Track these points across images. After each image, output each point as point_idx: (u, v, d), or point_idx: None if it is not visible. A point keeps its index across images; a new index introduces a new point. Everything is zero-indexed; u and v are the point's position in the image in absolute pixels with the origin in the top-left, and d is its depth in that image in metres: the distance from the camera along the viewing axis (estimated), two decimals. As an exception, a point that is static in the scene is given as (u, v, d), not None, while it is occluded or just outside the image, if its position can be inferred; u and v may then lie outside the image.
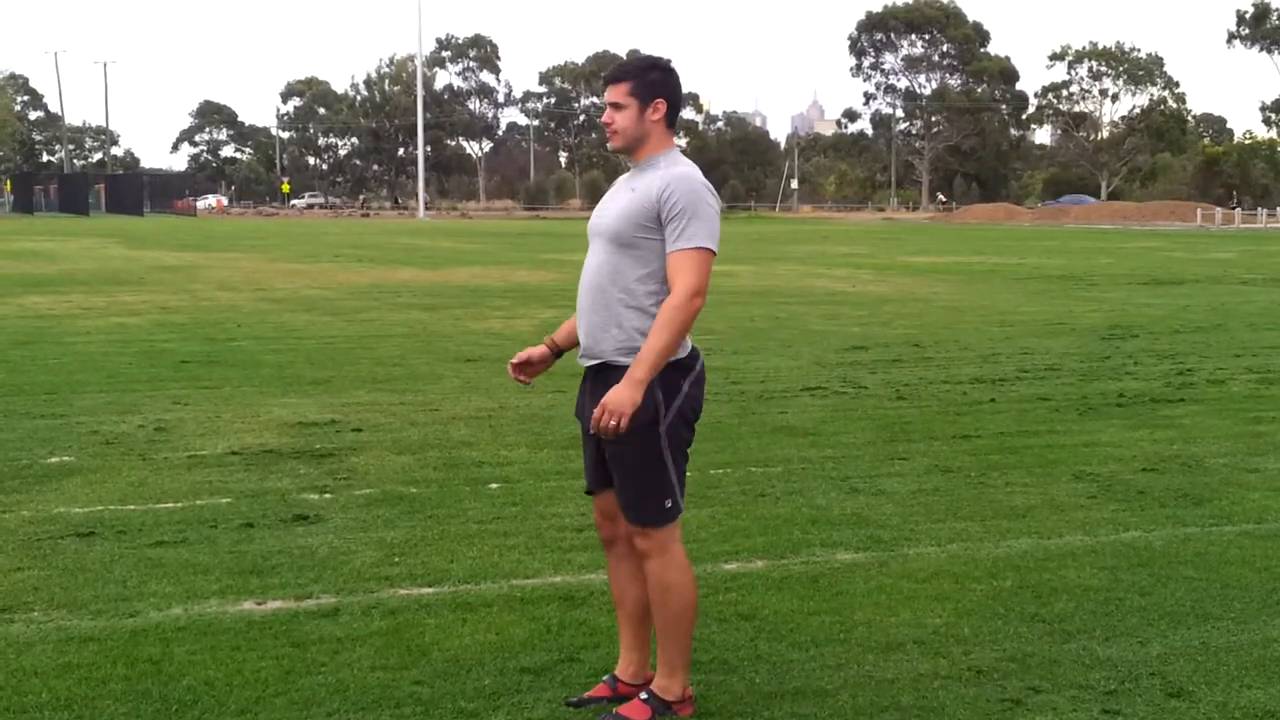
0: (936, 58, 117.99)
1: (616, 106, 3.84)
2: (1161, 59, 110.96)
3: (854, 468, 7.39)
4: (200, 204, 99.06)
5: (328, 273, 25.26)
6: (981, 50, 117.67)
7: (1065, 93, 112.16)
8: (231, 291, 20.31)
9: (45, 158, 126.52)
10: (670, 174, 3.76)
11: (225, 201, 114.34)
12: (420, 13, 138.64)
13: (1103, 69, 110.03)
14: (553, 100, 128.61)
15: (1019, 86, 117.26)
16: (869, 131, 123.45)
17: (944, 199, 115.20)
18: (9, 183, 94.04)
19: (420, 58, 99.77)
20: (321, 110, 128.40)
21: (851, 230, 62.18)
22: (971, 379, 10.94)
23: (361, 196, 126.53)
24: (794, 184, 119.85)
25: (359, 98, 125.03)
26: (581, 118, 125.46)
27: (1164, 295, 20.79)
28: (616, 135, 3.86)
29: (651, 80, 3.84)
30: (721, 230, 3.81)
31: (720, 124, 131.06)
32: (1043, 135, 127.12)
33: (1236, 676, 4.25)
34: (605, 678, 4.09)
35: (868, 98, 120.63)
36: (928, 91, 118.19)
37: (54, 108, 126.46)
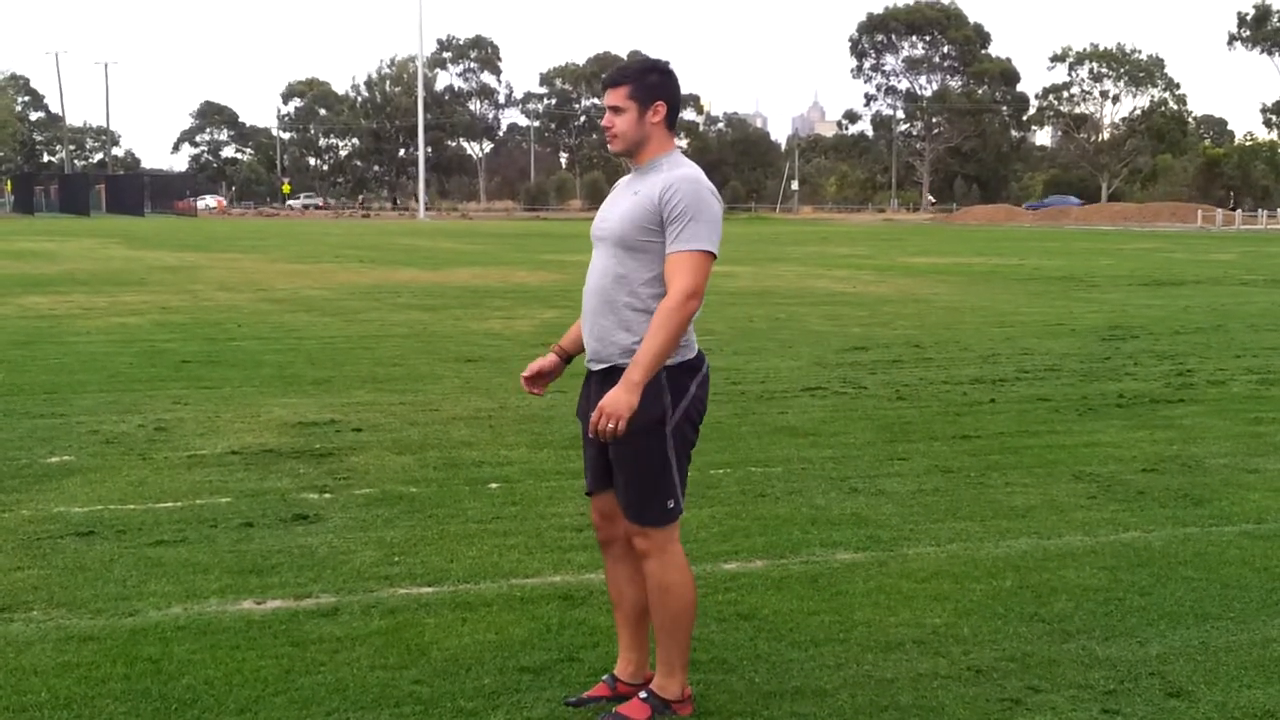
0: (937, 59, 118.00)
1: (616, 110, 3.83)
2: (1162, 60, 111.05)
3: (854, 468, 7.39)
4: (200, 204, 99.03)
5: (328, 273, 25.26)
6: (982, 52, 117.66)
7: (1066, 94, 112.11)
8: (232, 292, 20.31)
9: (46, 158, 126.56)
10: (673, 176, 3.76)
11: (225, 202, 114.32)
12: (421, 13, 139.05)
13: (1103, 70, 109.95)
14: (553, 101, 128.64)
15: (1020, 88, 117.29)
16: (870, 133, 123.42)
17: (933, 200, 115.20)
18: (10, 183, 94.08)
19: (421, 58, 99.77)
20: (322, 111, 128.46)
21: (852, 231, 62.20)
22: (971, 379, 10.95)
23: (360, 197, 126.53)
24: (794, 185, 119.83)
25: (360, 98, 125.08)
26: (582, 119, 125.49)
27: (1164, 296, 20.79)
28: (617, 139, 3.85)
29: (650, 83, 3.84)
30: (722, 231, 3.81)
31: (721, 125, 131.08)
32: (1043, 137, 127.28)
33: (1236, 676, 4.25)
34: (604, 677, 4.09)
35: (868, 99, 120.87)
36: (928, 93, 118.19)
37: (55, 108, 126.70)
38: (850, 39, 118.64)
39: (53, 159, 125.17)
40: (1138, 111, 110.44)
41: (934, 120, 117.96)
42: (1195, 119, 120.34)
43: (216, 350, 12.68)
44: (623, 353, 3.78)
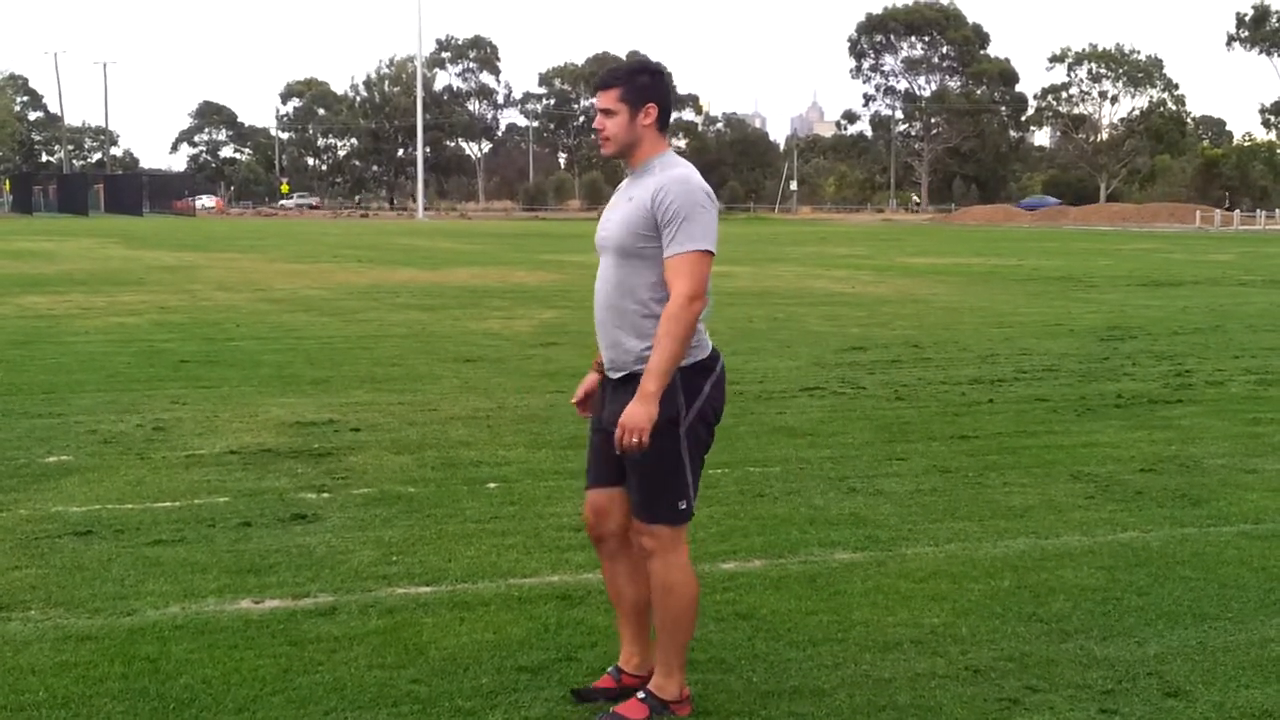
0: (936, 59, 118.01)
1: (607, 113, 3.83)
2: (1161, 61, 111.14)
3: (852, 468, 7.39)
4: (199, 204, 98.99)
5: (326, 273, 25.26)
6: (981, 52, 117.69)
7: (1064, 95, 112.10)
8: (230, 291, 20.30)
9: (44, 158, 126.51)
10: (663, 178, 3.76)
11: (224, 202, 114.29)
12: (420, 14, 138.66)
13: (1102, 71, 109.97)
14: (552, 101, 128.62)
15: (1018, 88, 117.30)
16: (868, 133, 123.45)
17: (917, 200, 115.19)
18: (8, 183, 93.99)
19: (420, 59, 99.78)
20: (321, 111, 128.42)
21: (850, 231, 62.20)
22: (970, 380, 10.95)
23: (357, 197, 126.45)
24: (793, 185, 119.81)
25: (358, 98, 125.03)
26: (581, 119, 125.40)
27: (1162, 296, 20.80)
28: (609, 142, 3.85)
29: (641, 85, 3.83)
30: (721, 231, 3.81)
31: (720, 125, 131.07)
32: (1042, 137, 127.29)
33: (1234, 676, 4.25)
34: (609, 669, 4.10)
35: (867, 99, 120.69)
36: (927, 93, 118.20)
37: (53, 108, 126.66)
38: (849, 39, 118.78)
39: (51, 159, 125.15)
40: (1136, 112, 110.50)
41: (933, 120, 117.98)
42: (1194, 119, 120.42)
43: (215, 350, 12.68)
44: (636, 360, 3.80)
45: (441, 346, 13.21)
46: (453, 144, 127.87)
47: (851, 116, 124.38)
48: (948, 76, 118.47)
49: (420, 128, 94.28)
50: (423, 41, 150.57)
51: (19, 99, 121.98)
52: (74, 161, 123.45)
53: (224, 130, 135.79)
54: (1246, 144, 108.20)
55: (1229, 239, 53.91)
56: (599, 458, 3.97)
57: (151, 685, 4.09)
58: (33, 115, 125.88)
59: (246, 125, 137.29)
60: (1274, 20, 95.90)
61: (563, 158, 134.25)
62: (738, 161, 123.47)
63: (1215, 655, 4.44)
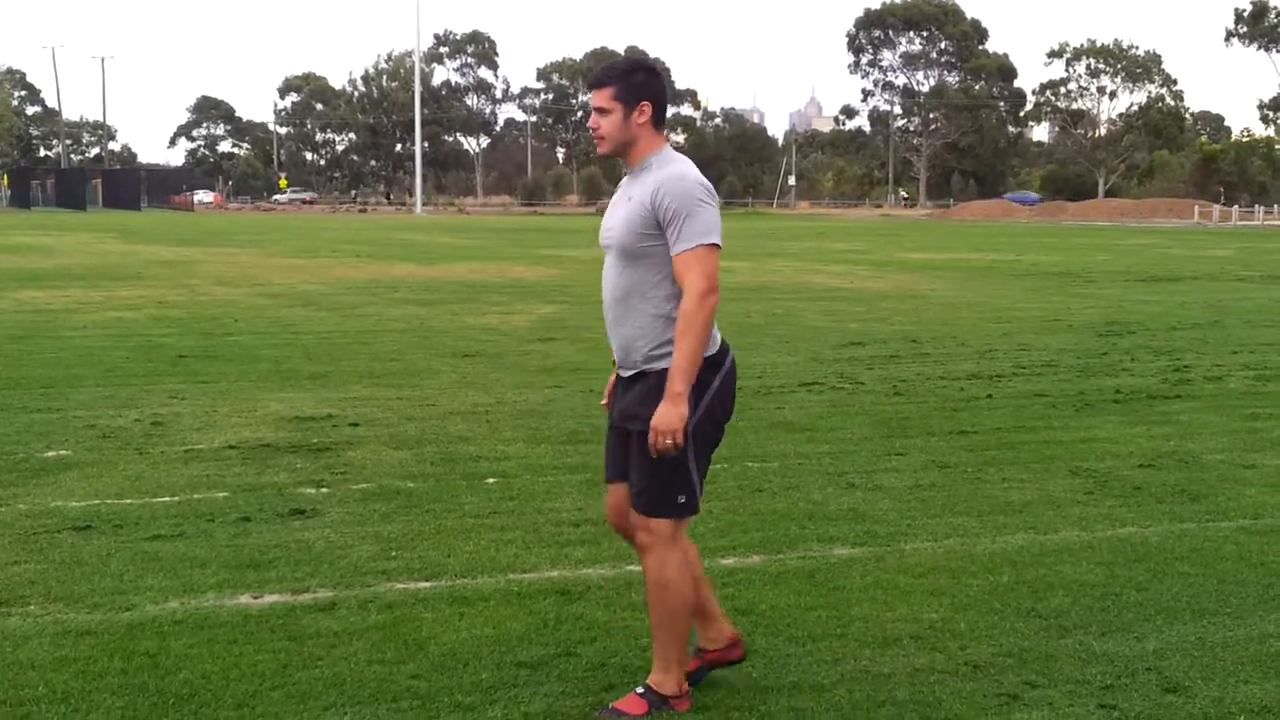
0: (934, 55, 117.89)
1: (602, 111, 3.83)
2: (1159, 56, 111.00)
3: (851, 463, 7.39)
4: (196, 198, 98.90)
5: (325, 268, 25.24)
6: (979, 47, 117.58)
7: (1063, 90, 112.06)
8: (228, 286, 20.29)
9: (42, 152, 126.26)
10: (660, 176, 3.76)
11: (222, 197, 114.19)
12: (418, 8, 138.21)
13: (1101, 66, 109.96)
14: (550, 96, 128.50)
15: (1017, 84, 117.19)
16: (867, 128, 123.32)
17: (905, 195, 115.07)
18: (6, 177, 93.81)
19: (418, 53, 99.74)
20: (319, 106, 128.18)
21: (849, 226, 62.20)
22: (968, 375, 10.95)
23: (354, 192, 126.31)
24: (791, 180, 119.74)
25: (357, 93, 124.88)
26: (579, 114, 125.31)
27: (1161, 292, 20.81)
28: (604, 140, 3.86)
29: (636, 83, 3.83)
30: (721, 223, 3.81)
31: (718, 120, 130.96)
32: (1040, 132, 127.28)
33: (1233, 671, 4.25)
34: (691, 650, 4.08)
35: (865, 95, 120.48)
36: (925, 88, 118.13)
37: (51, 103, 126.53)
38: (847, 34, 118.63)
39: (49, 153, 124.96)
40: (1135, 107, 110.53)
41: (931, 116, 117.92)
42: (1192, 115, 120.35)
43: (213, 345, 12.67)
44: (645, 359, 3.82)
45: (440, 341, 13.21)
46: (451, 139, 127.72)
47: (850, 111, 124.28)
48: (946, 72, 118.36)
49: (418, 122, 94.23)
50: (421, 36, 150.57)
51: (17, 93, 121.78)
52: (72, 156, 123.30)
53: (222, 125, 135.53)
54: (1245, 139, 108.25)
55: (1227, 234, 53.93)
56: (613, 453, 3.99)
57: (151, 680, 4.09)
58: (31, 110, 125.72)
59: (245, 120, 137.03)
60: (1272, 16, 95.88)
61: (561, 152, 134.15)
62: (736, 156, 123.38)
63: (1214, 650, 4.44)
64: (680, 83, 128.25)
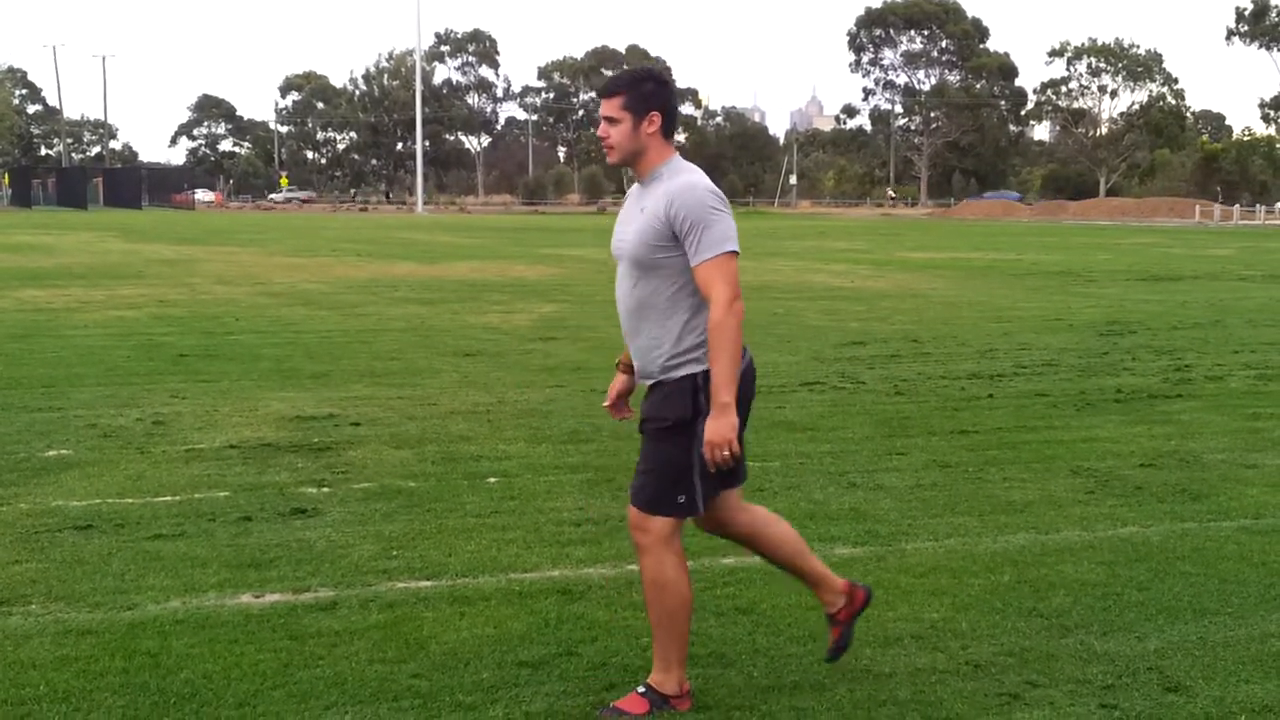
0: (935, 54, 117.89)
1: (611, 121, 3.83)
2: (1160, 55, 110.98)
3: (852, 463, 7.39)
4: (197, 197, 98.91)
5: (326, 267, 25.24)
6: (980, 46, 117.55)
7: (1064, 89, 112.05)
8: (229, 285, 20.30)
9: (43, 151, 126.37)
10: (672, 188, 3.75)
11: (223, 196, 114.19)
12: (419, 7, 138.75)
13: (1102, 65, 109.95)
14: (551, 95, 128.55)
15: (1018, 83, 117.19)
16: (868, 127, 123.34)
17: (893, 195, 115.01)
18: (7, 176, 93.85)
19: (419, 52, 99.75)
20: (320, 105, 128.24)
21: (850, 225, 62.19)
22: (969, 374, 10.95)
23: (354, 191, 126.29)
24: (792, 179, 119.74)
25: (358, 92, 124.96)
26: (580, 113, 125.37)
27: (1162, 291, 20.80)
28: (613, 150, 3.85)
29: (645, 93, 3.82)
30: (735, 231, 3.80)
31: (719, 119, 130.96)
32: (1041, 131, 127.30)
33: (1234, 671, 4.25)
34: (828, 618, 4.19)
35: (867, 94, 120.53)
36: (927, 87, 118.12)
37: (52, 101, 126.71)
38: (848, 33, 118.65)
39: (50, 152, 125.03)
40: (1136, 106, 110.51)
41: (932, 115, 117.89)
42: (1193, 114, 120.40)
43: (214, 344, 12.67)
44: (663, 369, 3.82)
45: (441, 341, 13.21)
46: (452, 138, 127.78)
47: (851, 110, 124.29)
48: (947, 71, 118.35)
49: (419, 121, 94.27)
50: (422, 35, 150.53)
51: (18, 92, 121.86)
52: (73, 155, 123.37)
53: (223, 124, 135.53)
54: (1246, 138, 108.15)
55: (1228, 234, 53.90)
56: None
57: (152, 680, 4.09)
58: (32, 109, 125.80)
59: (246, 119, 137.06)
60: (1273, 14, 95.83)
61: (562, 151, 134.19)
62: (737, 155, 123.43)
63: (1215, 650, 4.44)
64: (681, 81, 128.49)
